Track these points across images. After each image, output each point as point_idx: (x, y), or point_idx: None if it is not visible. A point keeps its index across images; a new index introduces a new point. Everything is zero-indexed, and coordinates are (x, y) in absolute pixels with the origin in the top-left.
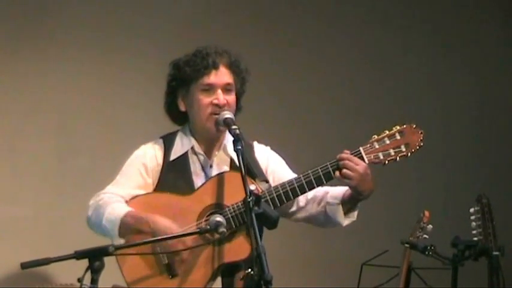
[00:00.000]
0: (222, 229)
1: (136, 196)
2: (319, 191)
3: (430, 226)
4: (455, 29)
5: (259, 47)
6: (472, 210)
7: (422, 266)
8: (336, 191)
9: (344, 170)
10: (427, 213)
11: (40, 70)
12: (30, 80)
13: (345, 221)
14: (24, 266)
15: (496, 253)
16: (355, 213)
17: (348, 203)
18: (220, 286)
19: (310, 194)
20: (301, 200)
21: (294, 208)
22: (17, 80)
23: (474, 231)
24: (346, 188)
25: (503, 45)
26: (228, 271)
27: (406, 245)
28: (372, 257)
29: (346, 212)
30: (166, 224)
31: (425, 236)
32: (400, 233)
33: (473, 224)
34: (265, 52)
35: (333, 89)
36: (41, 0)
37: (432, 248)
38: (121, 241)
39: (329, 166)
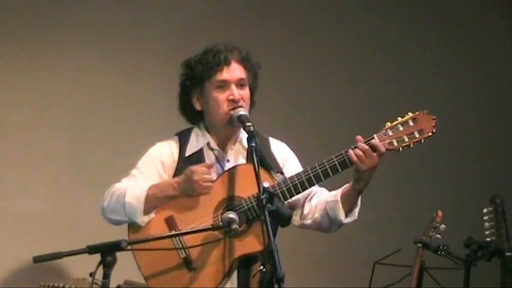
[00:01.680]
0: (235, 226)
1: None
2: (320, 197)
3: (443, 226)
4: (466, 23)
5: (268, 42)
6: (485, 210)
7: (434, 265)
8: (334, 191)
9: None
10: (440, 212)
11: (54, 66)
12: (44, 76)
13: (346, 219)
14: (37, 259)
15: (509, 254)
16: (356, 211)
17: (348, 197)
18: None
19: (313, 202)
20: (306, 208)
21: (304, 212)
22: (31, 77)
23: (487, 232)
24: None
25: None
26: (244, 263)
27: (419, 245)
28: (384, 256)
29: (347, 212)
30: (188, 174)
31: (438, 235)
32: (413, 233)
33: (487, 224)
34: (274, 48)
35: (343, 85)
36: None
37: (445, 247)
38: (144, 219)
39: (344, 155)
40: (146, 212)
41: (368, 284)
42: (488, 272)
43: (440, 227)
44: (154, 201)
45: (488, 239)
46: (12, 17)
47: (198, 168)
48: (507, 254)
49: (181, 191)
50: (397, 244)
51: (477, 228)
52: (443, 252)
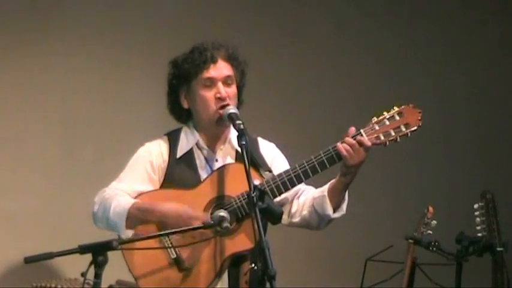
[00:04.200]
0: (226, 224)
1: (142, 193)
2: (307, 195)
3: (434, 222)
4: (458, 20)
5: (255, 38)
6: (476, 206)
7: (426, 261)
8: (321, 188)
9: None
10: (431, 208)
11: (45, 64)
12: (36, 73)
13: (334, 214)
14: (28, 260)
15: (500, 249)
16: (344, 205)
17: (335, 192)
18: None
19: (301, 199)
20: (294, 205)
21: (292, 211)
22: (22, 74)
23: (478, 227)
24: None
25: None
26: (234, 262)
27: (410, 241)
28: (376, 253)
29: (335, 207)
30: (173, 209)
31: (429, 231)
32: (404, 229)
33: (478, 219)
34: (260, 44)
35: (331, 83)
36: None
37: (436, 243)
38: (129, 234)
39: (332, 150)
40: (129, 227)
41: (360, 281)
42: (480, 268)
43: (432, 222)
44: (135, 220)
45: (479, 235)
46: (3, 16)
47: (197, 216)
48: (498, 249)
49: (164, 222)
50: (389, 241)
51: (468, 224)
52: (434, 248)
